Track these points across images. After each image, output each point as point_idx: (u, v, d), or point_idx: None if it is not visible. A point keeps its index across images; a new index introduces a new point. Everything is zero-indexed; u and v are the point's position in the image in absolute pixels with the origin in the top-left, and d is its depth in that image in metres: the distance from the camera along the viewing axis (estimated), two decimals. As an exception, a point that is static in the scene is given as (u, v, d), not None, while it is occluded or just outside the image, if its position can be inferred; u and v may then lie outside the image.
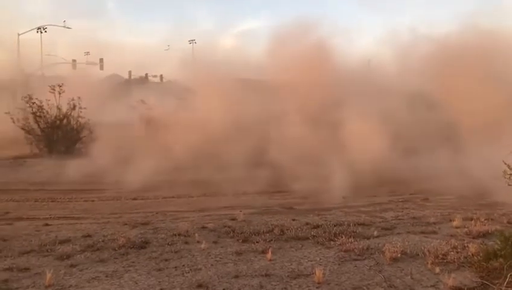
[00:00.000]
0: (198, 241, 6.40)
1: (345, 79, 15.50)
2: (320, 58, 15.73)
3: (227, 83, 16.09)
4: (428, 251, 5.70)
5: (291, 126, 13.57)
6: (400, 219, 7.74)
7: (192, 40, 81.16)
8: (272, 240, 6.46)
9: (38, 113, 17.23)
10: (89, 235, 6.79)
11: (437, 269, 5.17)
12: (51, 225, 7.62)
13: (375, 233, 6.74)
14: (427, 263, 5.37)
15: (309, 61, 15.31)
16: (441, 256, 5.53)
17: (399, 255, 5.64)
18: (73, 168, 14.24)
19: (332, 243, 6.29)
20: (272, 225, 7.29)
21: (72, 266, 5.52)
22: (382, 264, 5.45)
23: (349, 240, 6.28)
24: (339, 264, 5.48)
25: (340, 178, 10.51)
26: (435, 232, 6.83)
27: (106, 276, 5.20)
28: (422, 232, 6.83)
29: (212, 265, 5.53)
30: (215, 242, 6.45)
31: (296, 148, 12.50)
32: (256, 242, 6.33)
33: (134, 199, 9.89)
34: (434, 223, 7.39)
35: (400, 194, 10.13)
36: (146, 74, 74.81)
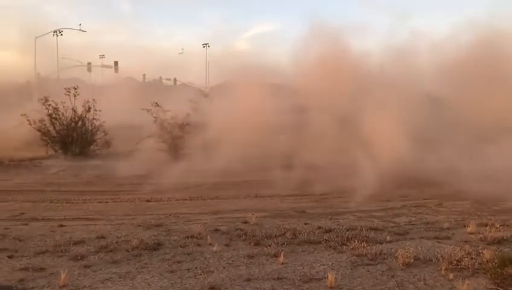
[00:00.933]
0: (210, 244, 6.43)
1: (369, 81, 15.60)
2: (348, 61, 15.97)
3: (265, 86, 16.52)
4: (442, 256, 5.65)
5: (320, 128, 13.79)
6: (413, 224, 7.68)
7: (205, 44, 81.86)
8: (284, 243, 6.46)
9: (54, 115, 17.46)
10: (102, 237, 6.86)
11: (451, 275, 5.13)
12: (65, 225, 7.71)
13: (388, 238, 6.70)
14: (441, 268, 5.33)
15: (337, 65, 15.54)
16: (455, 262, 5.48)
17: (412, 260, 5.61)
18: (88, 170, 14.45)
19: (344, 247, 6.27)
20: (284, 228, 7.29)
21: (86, 266, 5.58)
22: (395, 269, 5.42)
23: (362, 244, 6.25)
24: (352, 269, 5.47)
25: (359, 181, 10.60)
26: (448, 238, 6.77)
27: (119, 277, 5.26)
28: (436, 238, 6.78)
29: (224, 268, 5.55)
30: (227, 245, 6.47)
31: (324, 151, 12.77)
32: (268, 245, 6.34)
33: (148, 201, 9.96)
34: (448, 228, 7.32)
35: (413, 199, 10.04)
36: (160, 77, 75.43)
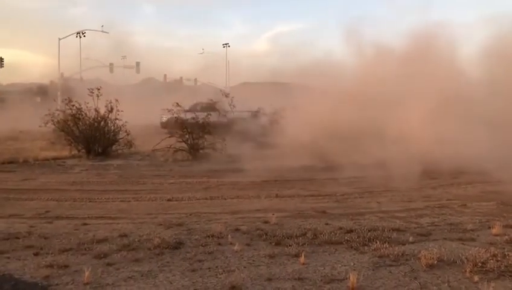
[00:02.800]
0: (231, 243, 6.44)
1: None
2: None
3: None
4: (467, 258, 5.55)
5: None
6: (436, 225, 7.55)
7: (226, 44, 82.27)
8: (304, 243, 6.43)
9: (77, 115, 17.75)
10: (125, 235, 6.94)
11: (476, 278, 5.03)
12: (89, 224, 7.82)
13: (411, 239, 6.60)
14: (465, 270, 5.23)
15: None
16: (479, 264, 5.36)
17: (435, 262, 5.51)
18: (110, 169, 14.67)
19: (366, 248, 6.20)
20: (305, 228, 7.25)
21: (108, 264, 5.65)
22: (418, 271, 5.34)
23: (384, 245, 6.17)
24: (373, 270, 5.41)
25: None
26: (473, 240, 6.64)
27: (142, 275, 5.31)
28: (460, 239, 6.65)
29: (245, 267, 5.56)
30: (248, 244, 6.47)
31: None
32: (289, 245, 6.32)
33: (169, 200, 10.03)
34: (472, 230, 7.18)
35: (437, 199, 9.89)
36: (181, 77, 76.06)
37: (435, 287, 4.88)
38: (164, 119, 21.46)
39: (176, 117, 17.58)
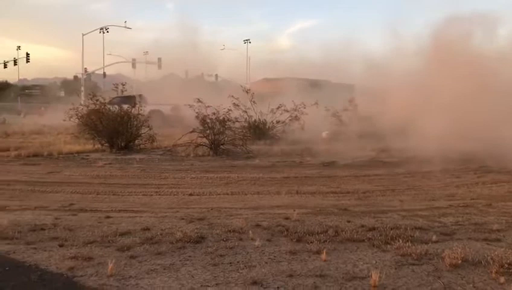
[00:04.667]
0: (252, 239, 6.45)
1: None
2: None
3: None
4: (492, 259, 5.43)
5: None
6: (460, 225, 7.42)
7: (246, 40, 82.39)
8: (326, 240, 6.39)
9: (101, 110, 18.02)
10: (147, 229, 7.02)
11: (502, 279, 4.92)
12: (112, 217, 7.93)
13: (434, 238, 6.50)
14: (491, 271, 5.13)
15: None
16: (506, 265, 5.25)
17: (459, 261, 5.41)
18: (133, 163, 14.84)
19: (388, 246, 6.13)
20: (326, 225, 7.21)
21: (131, 257, 5.73)
22: (441, 271, 5.26)
23: (407, 244, 6.09)
24: (396, 269, 5.35)
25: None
26: (498, 240, 6.50)
27: (164, 269, 5.37)
28: (485, 239, 6.52)
29: (266, 263, 5.56)
30: (269, 240, 6.47)
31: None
32: (311, 242, 6.29)
33: (190, 194, 10.10)
34: (498, 230, 7.02)
35: (461, 198, 9.71)
36: (202, 73, 76.37)
37: (459, 288, 4.80)
38: None
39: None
